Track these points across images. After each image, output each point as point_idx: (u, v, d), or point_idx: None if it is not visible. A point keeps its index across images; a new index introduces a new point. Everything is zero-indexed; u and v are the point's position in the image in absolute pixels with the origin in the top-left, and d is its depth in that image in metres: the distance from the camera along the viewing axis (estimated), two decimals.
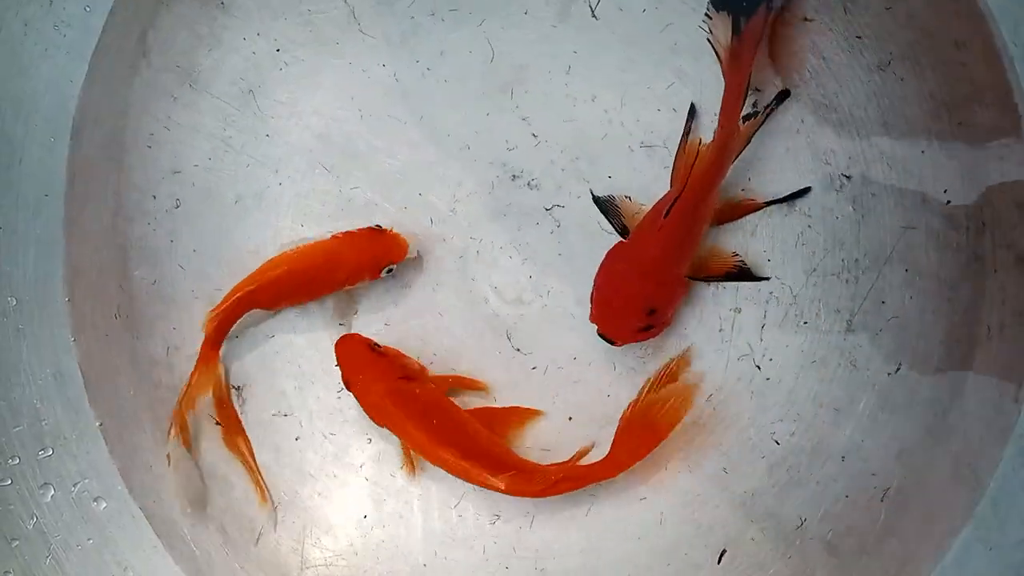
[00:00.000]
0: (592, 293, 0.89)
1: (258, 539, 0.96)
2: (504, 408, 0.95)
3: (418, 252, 0.95)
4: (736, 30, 0.86)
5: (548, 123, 0.96)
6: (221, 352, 0.96)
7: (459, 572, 0.95)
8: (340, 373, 0.93)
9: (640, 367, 0.94)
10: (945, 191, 0.90)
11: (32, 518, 0.93)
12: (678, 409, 0.89)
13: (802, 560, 0.91)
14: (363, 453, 0.97)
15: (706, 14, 0.88)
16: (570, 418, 0.95)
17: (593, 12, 0.95)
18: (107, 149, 0.98)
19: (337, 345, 0.93)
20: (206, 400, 0.96)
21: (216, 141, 0.99)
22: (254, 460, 0.96)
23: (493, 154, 0.97)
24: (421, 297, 0.97)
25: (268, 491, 0.96)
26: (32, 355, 0.95)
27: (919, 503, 0.89)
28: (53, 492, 0.94)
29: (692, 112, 0.93)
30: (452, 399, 0.93)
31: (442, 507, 0.96)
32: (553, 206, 0.96)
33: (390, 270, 0.94)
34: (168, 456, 0.94)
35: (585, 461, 0.90)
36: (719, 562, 0.92)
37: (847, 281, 0.92)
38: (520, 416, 0.95)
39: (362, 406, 0.93)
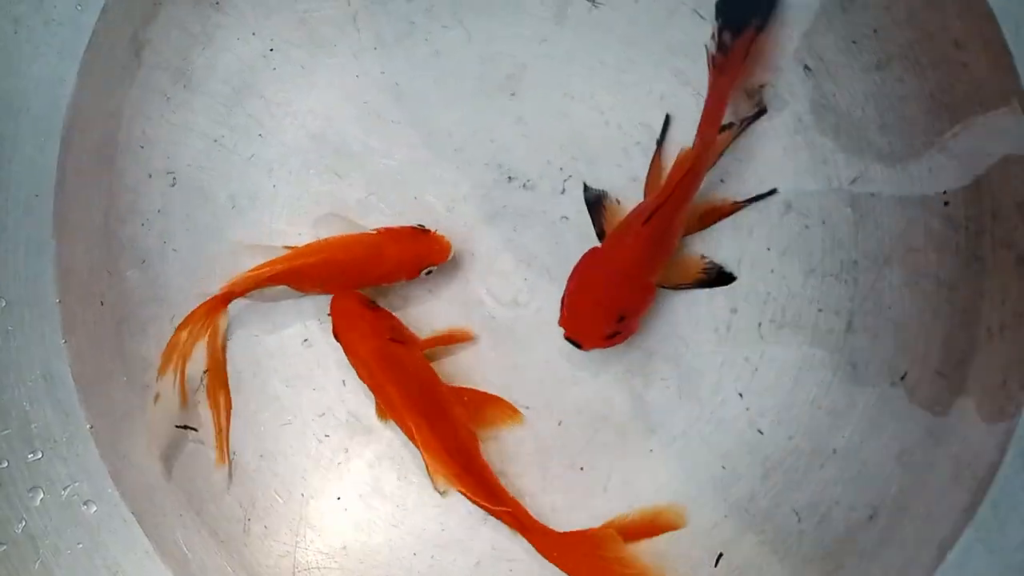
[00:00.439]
0: (563, 297, 0.89)
1: (246, 528, 0.95)
2: (489, 395, 0.94)
3: (454, 255, 0.94)
4: (722, 45, 0.88)
5: (544, 124, 0.96)
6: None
7: (453, 575, 0.94)
8: (331, 324, 0.92)
9: (637, 368, 0.93)
10: (944, 191, 0.90)
11: (21, 522, 0.92)
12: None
13: (800, 563, 0.91)
14: (357, 456, 0.96)
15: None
16: (560, 422, 0.94)
17: (594, 2, 0.94)
18: (99, 149, 0.98)
19: (334, 299, 0.92)
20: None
21: (209, 141, 0.98)
22: (228, 419, 0.95)
23: (489, 155, 0.96)
24: (417, 299, 0.96)
25: (229, 455, 0.95)
26: (22, 357, 0.94)
27: (919, 505, 0.88)
28: (42, 495, 0.93)
29: (667, 123, 0.93)
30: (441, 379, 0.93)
31: (435, 510, 0.95)
32: (549, 207, 0.95)
33: (429, 271, 0.93)
34: (157, 395, 0.92)
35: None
36: (716, 565, 0.91)
37: (846, 282, 0.91)
38: (500, 410, 0.94)
39: (347, 357, 0.92)
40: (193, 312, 0.93)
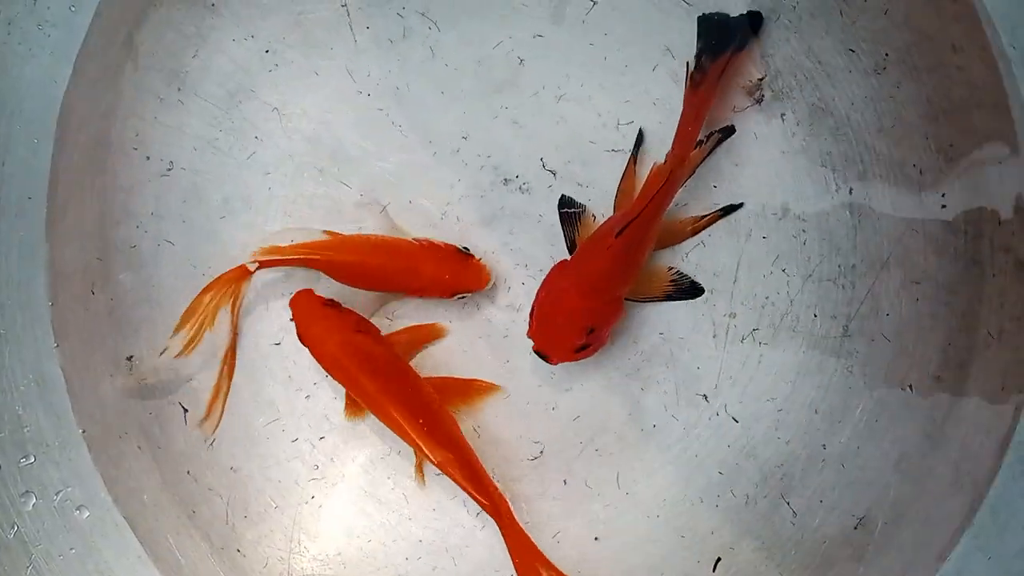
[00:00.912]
0: (532, 309, 0.88)
1: (237, 531, 0.94)
2: (461, 379, 0.94)
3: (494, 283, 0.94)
4: (701, 66, 0.89)
5: (541, 126, 0.95)
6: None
7: None
8: (295, 328, 0.92)
9: (635, 373, 0.93)
10: (943, 195, 0.90)
11: (13, 527, 0.91)
12: None
13: (797, 569, 0.90)
14: (351, 461, 0.96)
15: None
16: (557, 427, 0.94)
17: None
18: (92, 151, 0.97)
19: (292, 300, 0.92)
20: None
21: (203, 143, 0.98)
22: (228, 385, 0.95)
23: (485, 157, 0.96)
24: (413, 303, 0.96)
25: (220, 421, 0.96)
26: (14, 360, 0.93)
27: (917, 511, 0.88)
28: (35, 500, 0.92)
29: (640, 138, 0.93)
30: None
31: (431, 515, 0.94)
32: (546, 210, 0.95)
33: (462, 297, 0.93)
34: (165, 349, 0.94)
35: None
36: (714, 570, 0.91)
37: (844, 286, 0.91)
38: (476, 389, 0.94)
39: (315, 357, 0.92)
40: (219, 277, 0.93)
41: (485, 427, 0.93)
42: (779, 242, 0.92)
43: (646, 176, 0.90)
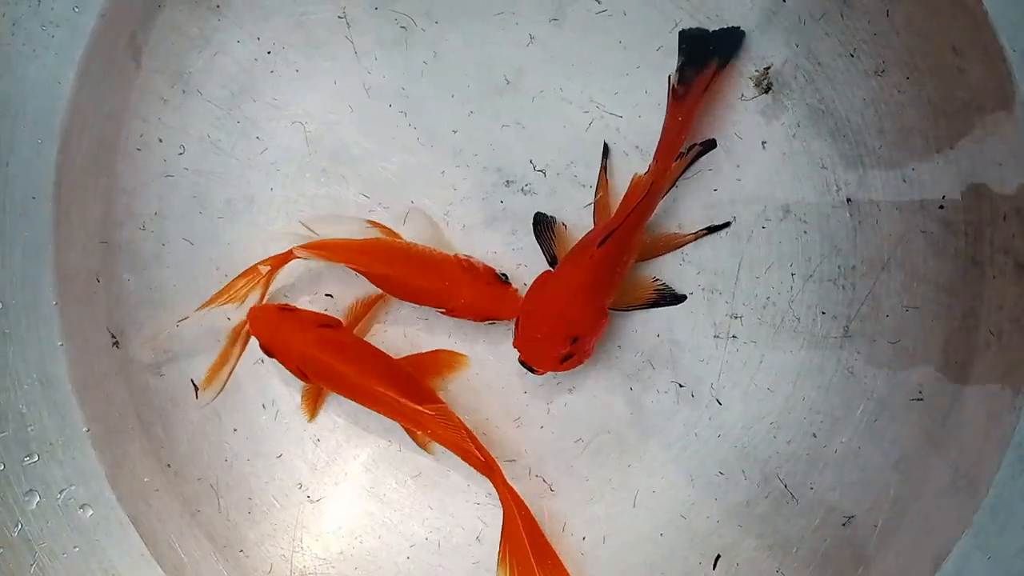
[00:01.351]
0: (517, 319, 0.89)
1: (239, 530, 0.94)
2: (427, 353, 0.94)
3: None
4: (684, 79, 0.90)
5: (543, 127, 0.96)
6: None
7: None
8: (258, 343, 0.92)
9: (635, 373, 0.93)
10: (943, 196, 0.90)
11: (17, 525, 0.92)
12: None
13: (798, 568, 0.91)
14: (353, 459, 0.96)
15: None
16: (558, 427, 0.94)
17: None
18: (96, 152, 0.97)
19: (248, 318, 0.93)
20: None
21: (207, 144, 0.98)
22: (236, 360, 0.96)
23: (487, 158, 0.96)
24: (414, 304, 0.96)
25: (221, 390, 0.96)
26: (18, 360, 0.94)
27: (917, 511, 0.88)
28: (39, 499, 0.93)
29: (606, 151, 0.94)
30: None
31: (432, 514, 0.95)
32: (548, 211, 0.95)
33: (492, 323, 0.93)
34: (185, 318, 0.94)
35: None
36: (714, 567, 0.91)
37: (844, 287, 0.91)
38: (444, 360, 0.94)
39: (287, 367, 0.92)
40: (264, 260, 0.93)
41: (486, 427, 0.94)
42: (780, 243, 0.93)
43: (628, 186, 0.91)
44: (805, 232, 0.92)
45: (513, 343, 0.89)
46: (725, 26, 0.93)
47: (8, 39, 0.94)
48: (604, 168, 0.94)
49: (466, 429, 0.88)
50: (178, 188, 0.98)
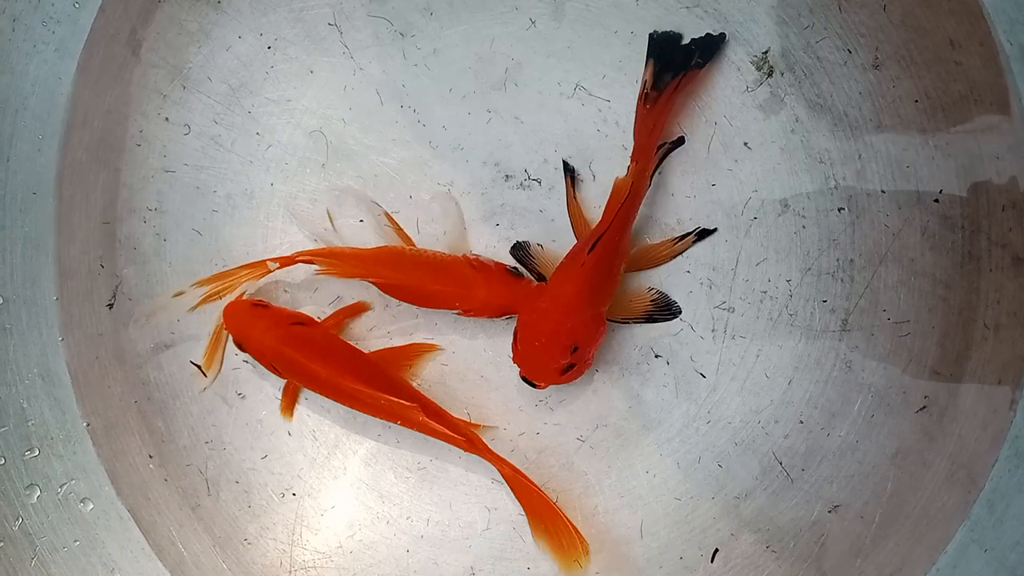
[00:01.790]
0: (515, 335, 0.89)
1: (239, 524, 0.95)
2: (399, 346, 0.95)
3: None
4: (659, 82, 0.90)
5: (542, 121, 0.96)
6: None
7: (448, 573, 0.94)
8: (232, 338, 0.93)
9: (634, 367, 0.93)
10: (940, 191, 0.90)
11: (17, 519, 0.92)
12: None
13: (796, 561, 0.91)
14: (353, 454, 0.96)
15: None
16: (557, 422, 0.94)
17: None
18: (96, 147, 0.97)
19: (223, 313, 0.93)
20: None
21: (206, 139, 0.98)
22: (226, 343, 0.96)
23: (486, 153, 0.96)
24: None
25: (216, 372, 0.96)
26: (19, 354, 0.94)
27: (914, 505, 0.88)
28: (39, 493, 0.93)
29: (567, 168, 0.94)
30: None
31: (432, 509, 0.95)
32: (547, 206, 0.95)
33: (510, 317, 0.93)
34: (181, 292, 0.94)
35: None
36: (712, 561, 0.91)
37: (842, 281, 0.92)
38: (416, 351, 0.95)
39: (260, 361, 0.93)
40: (266, 260, 0.94)
41: (484, 423, 0.94)
42: (778, 237, 0.93)
43: (610, 190, 0.91)
44: (804, 227, 0.92)
45: (512, 359, 0.89)
46: (717, 23, 0.93)
47: (9, 35, 0.94)
48: (570, 180, 0.94)
49: (446, 415, 0.89)
50: (178, 183, 0.98)
